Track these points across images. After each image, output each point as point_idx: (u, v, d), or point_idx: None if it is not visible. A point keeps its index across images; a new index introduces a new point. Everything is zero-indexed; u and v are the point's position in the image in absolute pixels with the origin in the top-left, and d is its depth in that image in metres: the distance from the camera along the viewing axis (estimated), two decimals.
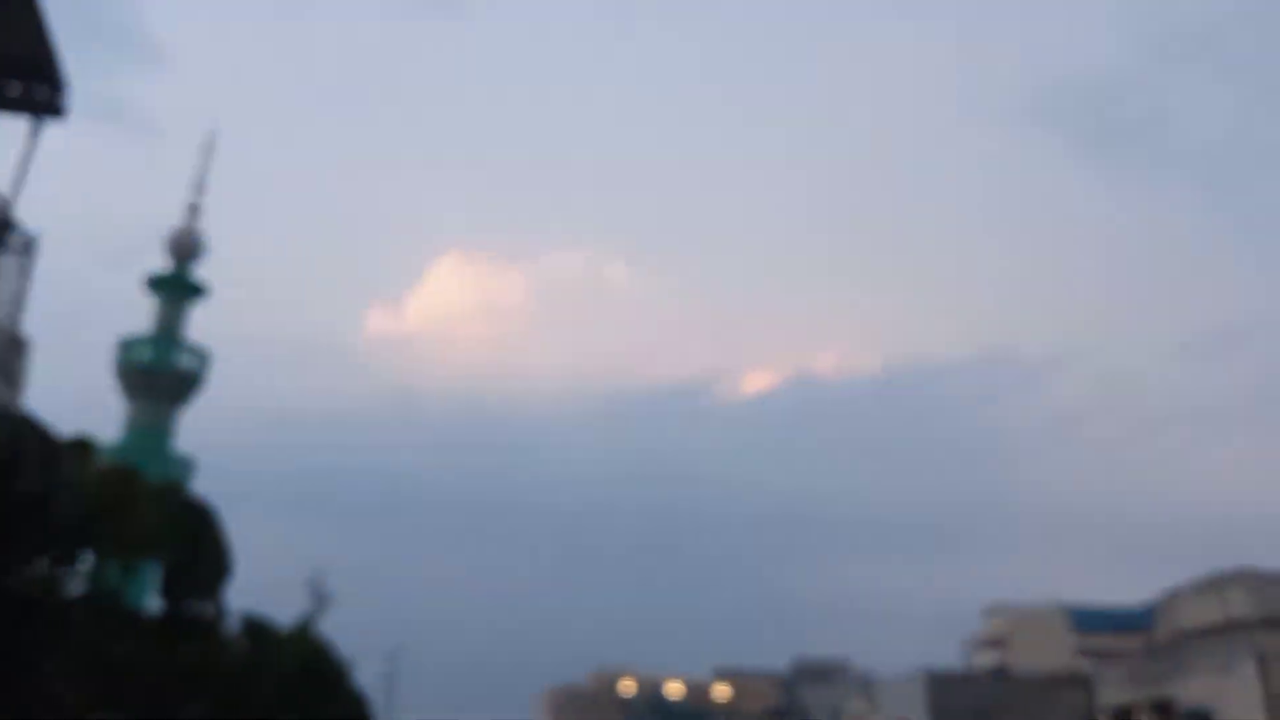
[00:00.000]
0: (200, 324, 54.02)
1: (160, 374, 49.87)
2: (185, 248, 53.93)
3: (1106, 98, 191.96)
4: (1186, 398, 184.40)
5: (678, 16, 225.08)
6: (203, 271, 54.61)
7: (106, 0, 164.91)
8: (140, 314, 53.40)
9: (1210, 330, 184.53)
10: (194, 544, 13.48)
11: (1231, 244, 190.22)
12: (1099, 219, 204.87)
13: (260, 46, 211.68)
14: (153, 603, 15.01)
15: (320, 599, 35.13)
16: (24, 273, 11.42)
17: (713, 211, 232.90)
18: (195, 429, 53.47)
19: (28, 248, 12.17)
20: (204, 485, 44.32)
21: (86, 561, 11.49)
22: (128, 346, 50.76)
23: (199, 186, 55.08)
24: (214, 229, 55.57)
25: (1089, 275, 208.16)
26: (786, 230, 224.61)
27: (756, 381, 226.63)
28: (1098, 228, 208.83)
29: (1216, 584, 43.81)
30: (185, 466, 48.88)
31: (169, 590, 13.34)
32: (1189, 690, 40.55)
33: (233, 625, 16.94)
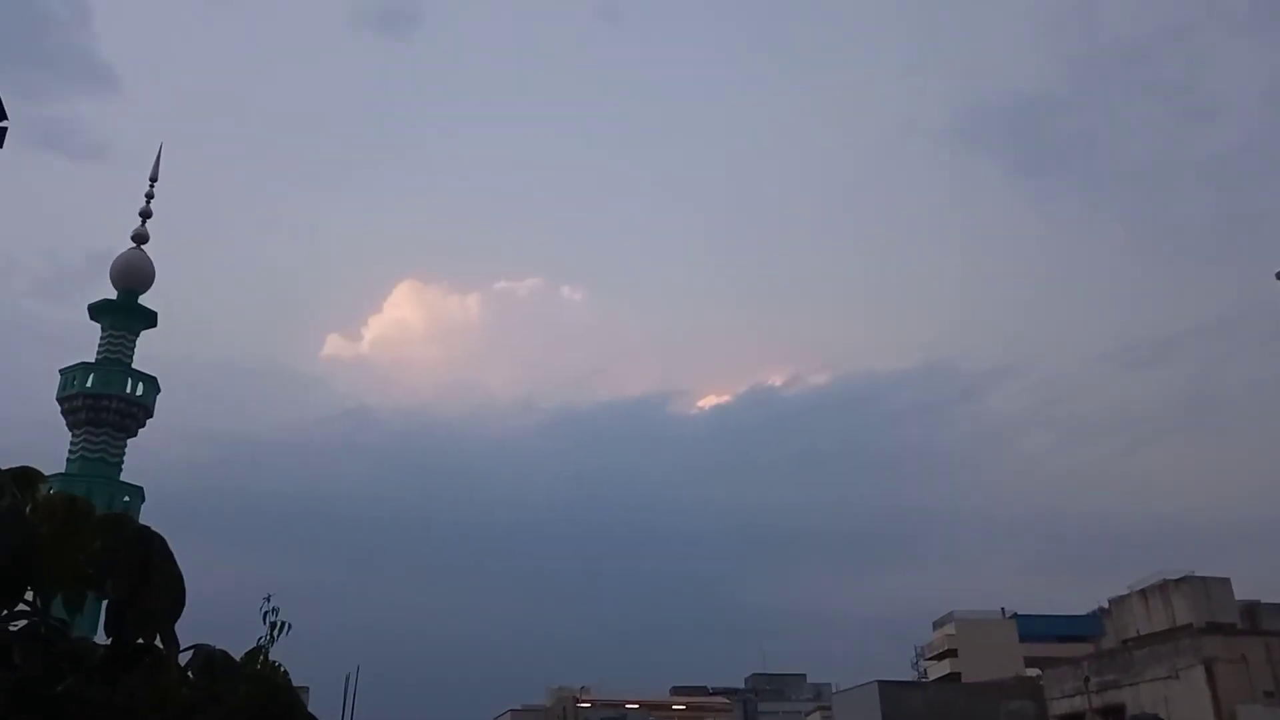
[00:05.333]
0: (148, 351, 53.17)
1: (105, 402, 48.97)
2: (132, 274, 53.11)
3: (1037, 118, 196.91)
4: (1121, 407, 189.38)
5: (626, 39, 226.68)
6: (151, 298, 53.90)
7: (56, 25, 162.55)
8: (87, 343, 52.52)
9: (1142, 342, 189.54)
10: (143, 574, 13.28)
11: (1161, 257, 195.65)
12: (1034, 236, 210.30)
13: (212, 71, 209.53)
14: (99, 636, 14.76)
15: (274, 626, 34.69)
16: None
17: (664, 232, 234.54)
18: (144, 458, 52.69)
19: None
20: (154, 514, 43.68)
21: (28, 595, 11.27)
22: (70, 374, 49.76)
23: (146, 212, 54.45)
24: (163, 255, 54.81)
25: (1025, 290, 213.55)
26: (736, 250, 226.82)
27: (710, 398, 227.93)
28: (1033, 244, 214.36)
29: (1162, 590, 44.73)
30: (134, 496, 48.03)
31: (116, 623, 13.12)
32: (1138, 696, 41.27)
33: (183, 657, 16.67)
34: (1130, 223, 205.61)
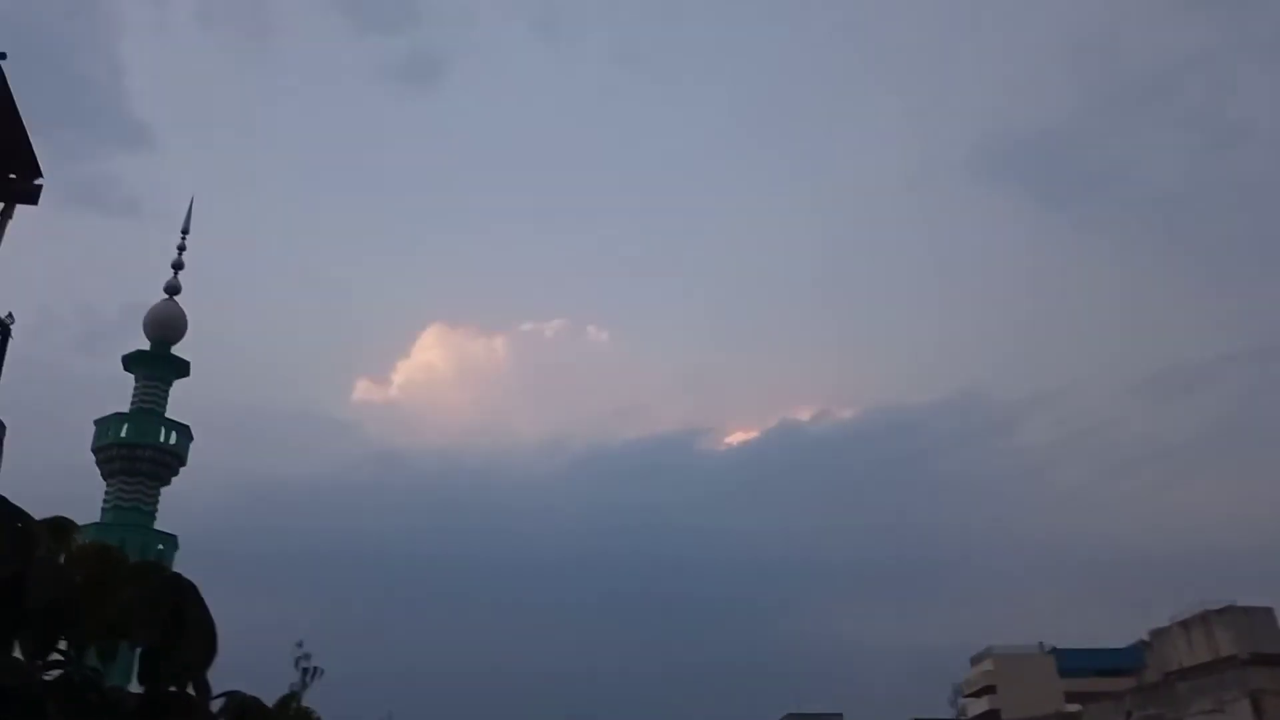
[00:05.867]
0: (181, 401, 53.69)
1: (139, 451, 49.51)
2: (164, 325, 53.88)
3: (1065, 151, 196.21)
4: (1153, 437, 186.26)
5: (652, 84, 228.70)
6: (184, 348, 54.66)
7: (92, 86, 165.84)
8: (122, 394, 53.21)
9: (1173, 370, 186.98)
10: (176, 622, 13.39)
11: (1192, 285, 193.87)
12: (1063, 266, 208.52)
13: (244, 123, 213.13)
14: (134, 686, 14.86)
15: (307, 671, 34.77)
16: None
17: (688, 271, 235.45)
18: (178, 505, 52.89)
19: (1, 332, 12.22)
20: (188, 561, 43.82)
21: (63, 645, 11.39)
22: (105, 425, 50.39)
23: (179, 263, 55.31)
24: (195, 305, 55.54)
25: (1056, 321, 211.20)
26: (764, 287, 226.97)
27: (738, 434, 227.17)
28: (1062, 275, 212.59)
29: (1204, 621, 43.82)
30: (168, 544, 48.39)
31: (150, 671, 13.22)
32: None
33: (216, 704, 16.72)
34: (1160, 251, 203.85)
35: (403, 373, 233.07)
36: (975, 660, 79.44)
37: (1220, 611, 43.45)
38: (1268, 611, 43.17)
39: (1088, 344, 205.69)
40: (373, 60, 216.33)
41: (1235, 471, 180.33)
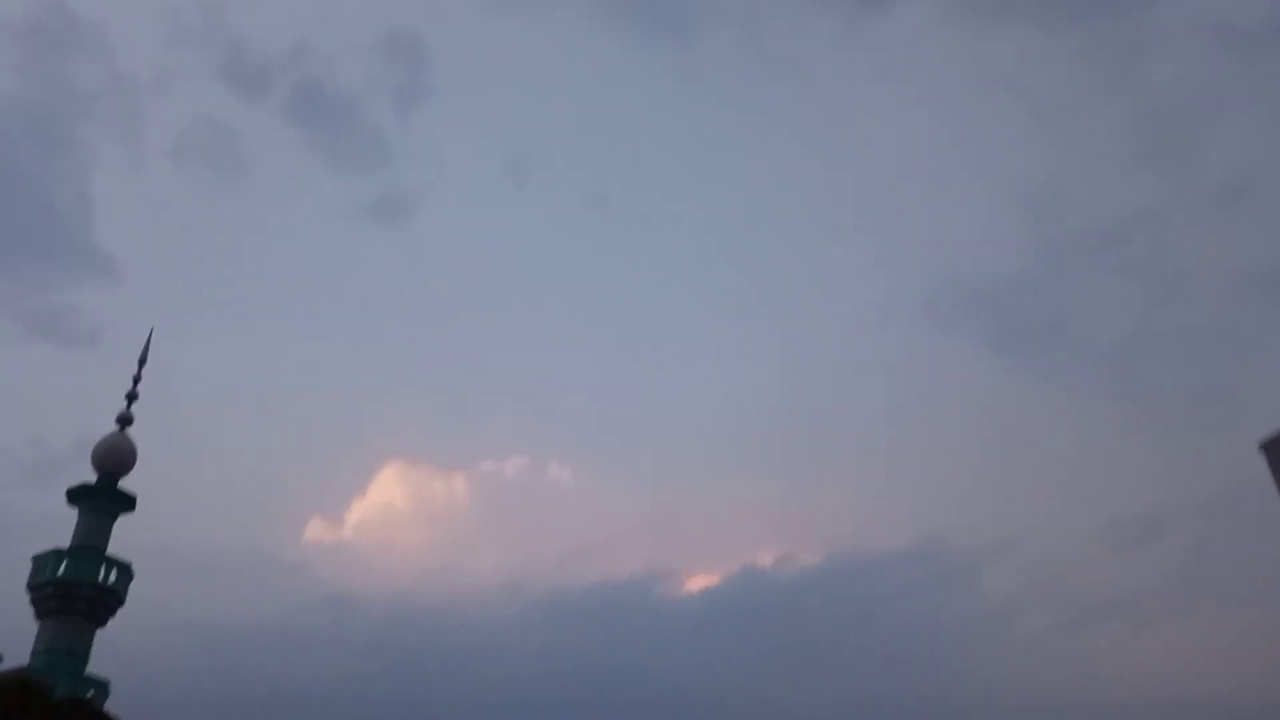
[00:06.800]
0: (126, 537, 52.08)
1: (76, 590, 47.80)
2: (113, 458, 52.95)
3: (1017, 299, 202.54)
4: (1116, 586, 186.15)
5: (610, 223, 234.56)
6: (133, 481, 53.62)
7: (58, 217, 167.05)
8: (65, 529, 51.72)
9: (1130, 519, 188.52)
10: None
11: (1143, 434, 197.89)
12: (1016, 414, 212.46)
13: (210, 256, 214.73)
14: None
15: None
16: None
17: (651, 409, 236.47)
18: (115, 648, 50.80)
19: None
20: (124, 707, 41.53)
21: None
22: (43, 561, 48.74)
23: (133, 394, 54.87)
24: (147, 438, 54.70)
25: (1013, 467, 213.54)
26: (726, 430, 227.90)
27: (699, 579, 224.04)
28: (1016, 422, 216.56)
29: None
30: (99, 689, 46.20)
31: None
32: None
33: None
34: (1109, 400, 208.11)
35: (358, 512, 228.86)
36: None
37: None
38: None
39: (1045, 490, 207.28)
40: (343, 198, 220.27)
41: (1192, 622, 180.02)
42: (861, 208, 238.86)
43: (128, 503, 52.18)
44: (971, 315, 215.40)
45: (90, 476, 52.28)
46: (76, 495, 51.37)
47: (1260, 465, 34.43)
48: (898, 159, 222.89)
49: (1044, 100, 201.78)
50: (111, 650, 50.04)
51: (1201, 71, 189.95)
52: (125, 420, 53.23)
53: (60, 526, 51.70)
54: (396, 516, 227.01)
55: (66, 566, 48.32)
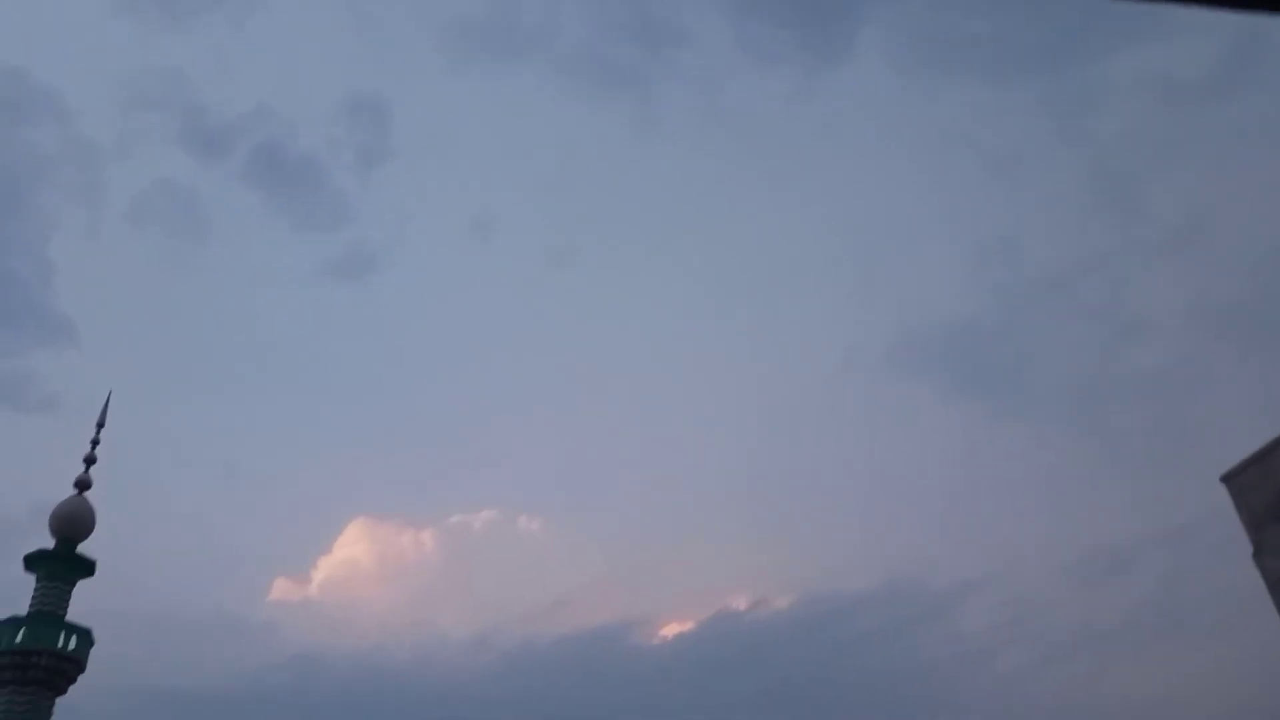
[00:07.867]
0: (86, 602, 51.00)
1: (34, 659, 46.65)
2: (71, 522, 51.94)
3: (979, 343, 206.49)
4: (1088, 621, 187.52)
5: (575, 277, 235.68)
6: (91, 546, 52.60)
7: (17, 283, 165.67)
8: (22, 596, 50.60)
9: (1099, 552, 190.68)
10: None
11: (1106, 471, 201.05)
12: (983, 454, 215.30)
13: (170, 318, 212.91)
14: None
15: None
16: None
17: (623, 462, 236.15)
18: (79, 716, 49.71)
19: None
20: None
21: None
22: None
23: (91, 458, 54.00)
24: (106, 501, 53.73)
25: (983, 506, 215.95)
26: (696, 477, 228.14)
27: (672, 626, 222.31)
28: (983, 462, 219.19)
29: None
30: None
31: None
32: None
33: None
34: (1074, 439, 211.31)
35: (324, 569, 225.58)
36: None
37: None
38: None
39: (1015, 530, 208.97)
40: (306, 256, 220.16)
41: (1163, 653, 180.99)
42: (824, 259, 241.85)
43: (87, 567, 51.15)
44: (936, 360, 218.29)
45: (48, 542, 51.25)
46: (34, 561, 50.29)
47: (1223, 497, 34.81)
48: (858, 212, 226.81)
49: (998, 153, 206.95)
50: (75, 718, 48.87)
51: (1148, 122, 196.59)
52: (83, 484, 52.32)
53: (18, 593, 50.64)
54: (363, 573, 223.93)
55: (25, 634, 47.18)
